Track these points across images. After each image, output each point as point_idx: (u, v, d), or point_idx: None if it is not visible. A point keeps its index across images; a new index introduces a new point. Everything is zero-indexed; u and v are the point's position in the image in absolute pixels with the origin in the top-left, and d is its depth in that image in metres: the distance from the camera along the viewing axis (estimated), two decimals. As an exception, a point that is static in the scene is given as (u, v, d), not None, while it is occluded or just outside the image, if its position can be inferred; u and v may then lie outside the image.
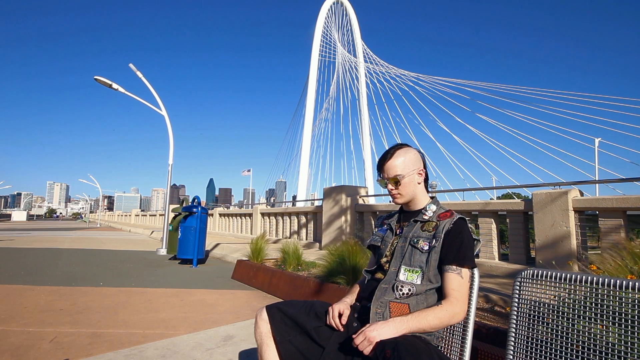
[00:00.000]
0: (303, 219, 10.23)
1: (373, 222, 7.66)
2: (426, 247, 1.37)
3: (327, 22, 38.21)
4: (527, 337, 1.30)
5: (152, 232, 17.89)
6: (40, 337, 2.83)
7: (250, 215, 13.20)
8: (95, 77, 10.45)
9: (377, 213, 7.65)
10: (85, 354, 2.48)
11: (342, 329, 1.39)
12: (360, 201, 8.19)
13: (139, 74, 10.48)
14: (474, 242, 1.40)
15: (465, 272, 1.33)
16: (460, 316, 1.30)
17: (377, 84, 34.18)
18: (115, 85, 10.67)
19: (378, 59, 36.79)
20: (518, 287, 1.37)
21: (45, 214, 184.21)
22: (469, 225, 1.42)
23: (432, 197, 1.54)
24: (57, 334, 2.91)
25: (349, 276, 3.73)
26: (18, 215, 73.69)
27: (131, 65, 10.37)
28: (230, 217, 15.07)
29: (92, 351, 2.54)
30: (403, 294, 1.33)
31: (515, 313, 1.35)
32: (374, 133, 36.13)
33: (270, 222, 11.91)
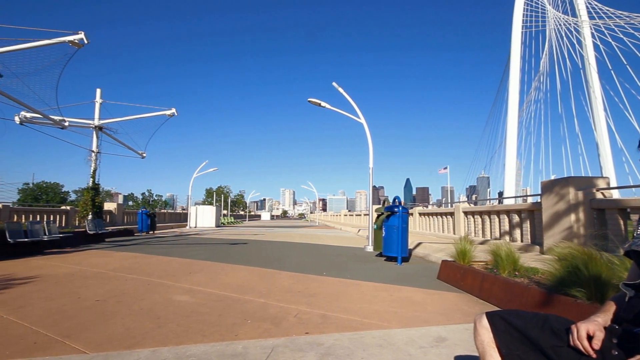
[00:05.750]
0: (515, 218, 8.93)
1: (621, 222, 5.87)
2: None
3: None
4: None
5: (359, 230, 19.76)
6: (287, 311, 3.60)
7: (451, 214, 12.60)
8: (309, 99, 12.50)
9: (628, 210, 5.81)
10: (319, 331, 2.98)
11: (593, 355, 1.12)
12: (599, 195, 6.44)
13: (340, 90, 11.84)
14: None
15: None
16: None
17: (613, 43, 26.18)
18: (323, 104, 12.46)
19: (612, 11, 28.25)
20: None
21: (281, 214, 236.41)
22: None
23: None
24: (298, 311, 3.62)
25: (588, 289, 2.99)
26: (265, 216, 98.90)
27: (334, 84, 11.85)
28: (429, 216, 14.85)
29: (323, 329, 3.02)
30: None
31: None
32: (610, 107, 27.90)
33: (475, 221, 11.01)
